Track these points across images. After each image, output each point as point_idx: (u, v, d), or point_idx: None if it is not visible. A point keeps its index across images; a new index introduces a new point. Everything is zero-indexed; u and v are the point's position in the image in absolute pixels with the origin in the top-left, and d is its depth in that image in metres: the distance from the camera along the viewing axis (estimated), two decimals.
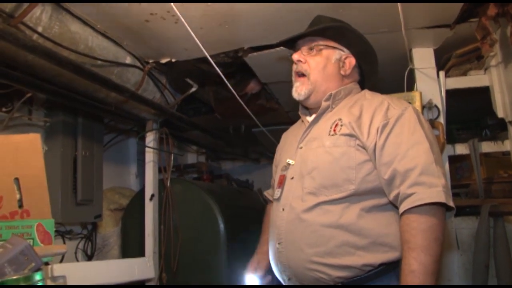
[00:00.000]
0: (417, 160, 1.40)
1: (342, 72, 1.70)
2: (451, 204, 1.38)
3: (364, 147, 1.51)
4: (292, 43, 1.79)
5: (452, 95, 2.56)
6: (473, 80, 2.57)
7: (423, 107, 2.44)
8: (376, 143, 1.48)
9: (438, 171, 1.40)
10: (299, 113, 1.84)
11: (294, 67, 1.73)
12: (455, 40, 2.43)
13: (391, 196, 1.45)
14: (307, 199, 1.54)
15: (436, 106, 2.49)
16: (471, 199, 2.81)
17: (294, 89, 1.71)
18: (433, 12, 2.14)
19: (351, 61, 1.70)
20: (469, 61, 2.56)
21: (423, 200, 1.35)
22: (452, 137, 3.10)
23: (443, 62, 2.64)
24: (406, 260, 1.35)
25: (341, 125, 1.56)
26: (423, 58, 2.56)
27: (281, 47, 1.96)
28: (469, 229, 2.53)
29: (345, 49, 1.70)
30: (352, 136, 1.52)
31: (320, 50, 1.69)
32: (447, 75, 2.57)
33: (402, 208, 1.40)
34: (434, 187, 1.36)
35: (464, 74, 2.59)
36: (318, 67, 1.67)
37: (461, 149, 2.66)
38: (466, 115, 3.80)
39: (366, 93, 1.70)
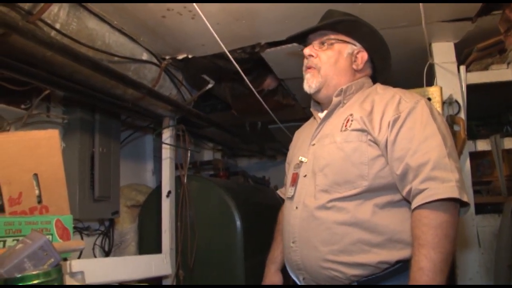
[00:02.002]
0: (429, 155, 1.37)
1: (354, 67, 1.67)
2: (466, 199, 1.34)
3: (376, 142, 1.48)
4: (303, 38, 1.76)
5: (472, 90, 2.51)
6: (495, 74, 2.51)
7: (443, 102, 2.39)
8: (387, 138, 1.45)
9: (452, 165, 1.36)
10: (311, 109, 1.82)
11: (305, 61, 1.70)
12: (477, 34, 2.38)
13: (404, 192, 1.42)
14: (320, 196, 1.52)
15: (456, 101, 2.44)
16: (493, 196, 2.77)
17: (305, 82, 1.69)
18: (454, 5, 2.09)
19: (363, 55, 1.67)
20: (491, 55, 2.50)
21: (436, 195, 1.32)
22: (472, 134, 3.04)
23: (463, 57, 2.59)
24: (415, 257, 1.32)
25: (352, 120, 1.53)
26: (443, 53, 2.52)
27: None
28: (491, 227, 2.49)
29: (357, 44, 1.67)
30: (363, 131, 1.50)
31: (332, 44, 1.66)
32: (468, 70, 2.52)
33: (414, 204, 1.37)
34: (447, 182, 1.33)
35: (486, 68, 2.54)
36: (330, 61, 1.64)
37: (482, 145, 2.61)
38: (486, 111, 3.73)
39: (378, 87, 1.67)
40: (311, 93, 1.69)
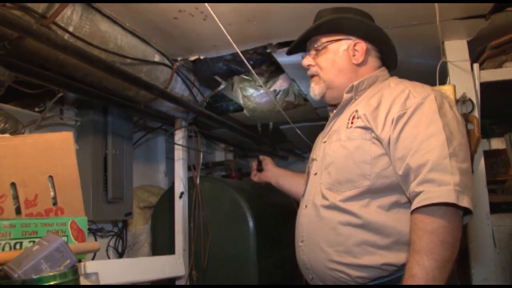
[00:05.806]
0: (429, 155, 1.30)
1: (354, 61, 1.62)
2: (464, 204, 1.25)
3: (379, 140, 1.44)
4: (304, 47, 1.78)
5: (486, 88, 2.47)
6: (509, 72, 2.47)
7: (456, 101, 2.37)
8: (390, 136, 1.40)
9: (453, 166, 1.28)
10: (327, 108, 1.82)
11: (308, 71, 1.73)
12: (490, 31, 2.35)
13: (407, 193, 1.37)
14: (326, 195, 1.50)
15: (470, 99, 2.41)
16: (508, 196, 2.73)
17: (310, 90, 1.71)
18: (467, 2, 2.07)
19: (362, 46, 1.62)
20: (505, 52, 2.47)
21: (430, 199, 1.26)
22: (486, 132, 3.01)
23: (477, 54, 2.56)
24: (409, 263, 1.28)
25: (357, 118, 1.51)
26: (456, 51, 2.48)
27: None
28: (506, 226, 2.46)
29: (351, 37, 1.63)
30: (367, 129, 1.46)
31: (325, 47, 1.65)
32: (481, 68, 2.49)
33: (411, 207, 1.32)
34: (444, 185, 1.26)
35: (500, 66, 2.50)
36: (328, 65, 1.64)
37: (497, 143, 2.58)
38: (500, 109, 3.69)
39: (392, 81, 1.61)
40: (317, 99, 1.71)
